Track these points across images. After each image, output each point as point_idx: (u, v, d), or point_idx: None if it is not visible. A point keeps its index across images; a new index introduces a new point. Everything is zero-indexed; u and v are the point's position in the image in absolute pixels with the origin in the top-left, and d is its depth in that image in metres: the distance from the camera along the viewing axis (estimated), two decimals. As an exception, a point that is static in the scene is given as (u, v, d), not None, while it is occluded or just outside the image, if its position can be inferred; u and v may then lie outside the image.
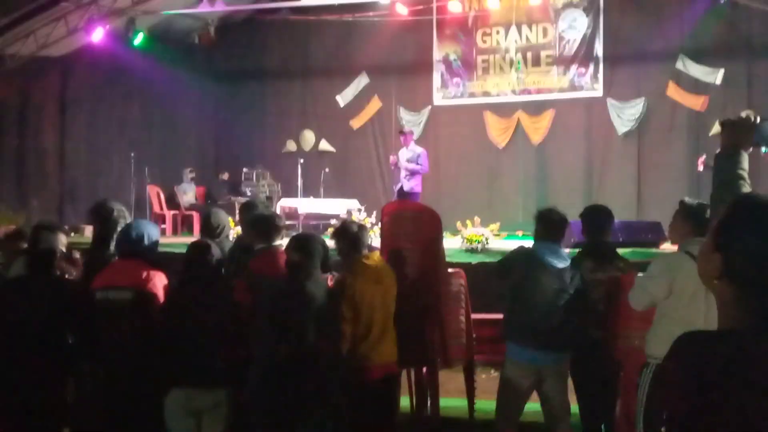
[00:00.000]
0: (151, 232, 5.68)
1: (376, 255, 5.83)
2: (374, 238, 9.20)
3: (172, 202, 16.65)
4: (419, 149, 14.11)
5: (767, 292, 1.83)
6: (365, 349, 5.56)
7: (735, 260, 1.87)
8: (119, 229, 5.80)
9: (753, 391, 1.71)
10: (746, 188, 3.02)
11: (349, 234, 5.81)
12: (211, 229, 6.67)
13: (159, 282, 5.43)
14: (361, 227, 5.93)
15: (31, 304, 5.33)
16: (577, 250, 6.75)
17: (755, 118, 3.24)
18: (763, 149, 3.26)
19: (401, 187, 13.93)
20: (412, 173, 13.93)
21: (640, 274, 5.37)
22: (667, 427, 1.81)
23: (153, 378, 5.19)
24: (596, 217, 6.41)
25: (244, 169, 17.86)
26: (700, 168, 12.39)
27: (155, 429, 5.21)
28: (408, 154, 14.06)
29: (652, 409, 4.74)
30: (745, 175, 3.11)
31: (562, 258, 5.98)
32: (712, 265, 1.91)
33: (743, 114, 13.66)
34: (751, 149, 3.19)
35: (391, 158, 14.34)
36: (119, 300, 5.33)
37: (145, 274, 5.41)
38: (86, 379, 5.50)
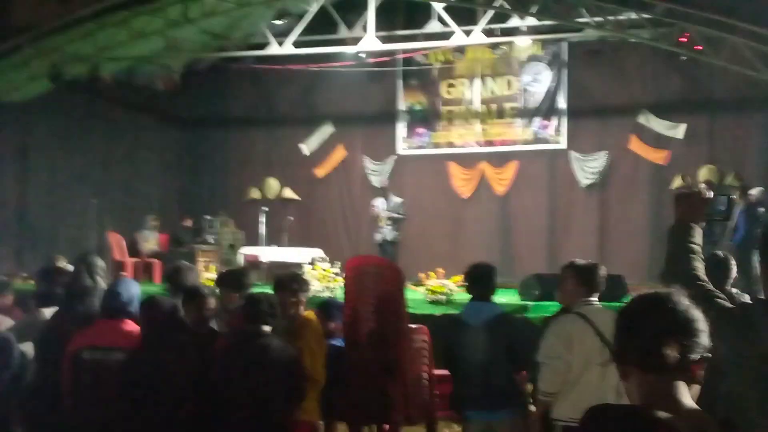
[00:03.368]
0: (136, 291, 5.58)
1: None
2: (338, 290, 9.17)
3: (133, 249, 16.45)
4: (398, 199, 14.16)
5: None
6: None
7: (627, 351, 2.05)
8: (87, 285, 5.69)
9: None
10: (698, 263, 3.02)
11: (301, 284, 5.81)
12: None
13: None
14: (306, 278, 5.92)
15: None
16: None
17: (708, 192, 3.24)
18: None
19: (384, 238, 13.92)
20: (395, 222, 13.96)
21: (539, 359, 5.37)
22: None
23: None
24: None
25: (207, 217, 17.72)
26: None
27: None
28: (388, 203, 14.08)
29: None
30: (698, 249, 3.11)
31: (490, 312, 5.97)
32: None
33: (704, 182, 13.92)
34: (704, 223, 3.20)
35: (371, 209, 14.33)
36: (109, 361, 5.18)
37: (137, 335, 5.29)
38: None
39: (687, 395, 1.99)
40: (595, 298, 5.37)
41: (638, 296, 2.14)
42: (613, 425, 1.91)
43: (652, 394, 1.96)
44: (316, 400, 5.70)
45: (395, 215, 13.91)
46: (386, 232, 13.89)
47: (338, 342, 6.37)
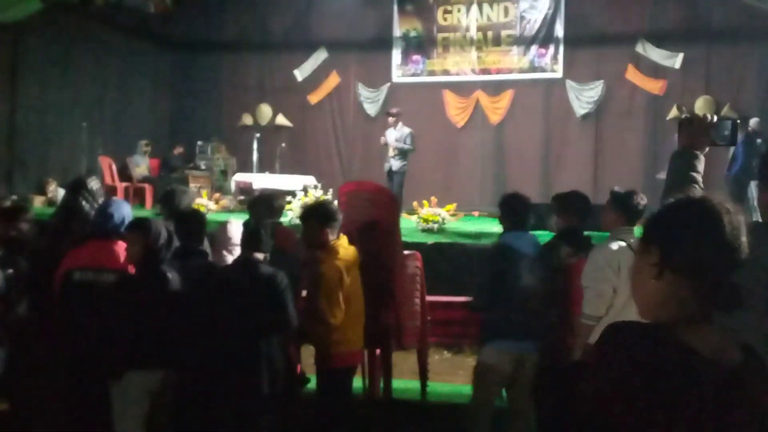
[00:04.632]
0: (128, 212, 5.51)
1: (346, 239, 5.75)
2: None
3: (124, 173, 16.39)
4: (407, 129, 14.04)
5: (702, 286, 1.91)
6: (338, 337, 5.53)
7: (673, 253, 1.93)
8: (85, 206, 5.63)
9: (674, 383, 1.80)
10: (698, 191, 2.95)
11: (327, 214, 5.71)
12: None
13: None
14: (336, 208, 5.81)
15: None
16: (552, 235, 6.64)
17: (712, 117, 3.17)
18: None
19: (390, 168, 13.88)
20: (402, 153, 13.89)
21: (583, 282, 5.32)
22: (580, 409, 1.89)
23: (115, 361, 4.98)
24: (575, 203, 6.31)
25: (199, 142, 17.65)
26: None
27: (104, 415, 5.02)
28: (396, 134, 14.00)
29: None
30: (699, 177, 3.05)
31: (533, 244, 5.95)
32: (651, 259, 1.96)
33: (701, 112, 13.84)
34: (707, 150, 3.13)
35: (381, 139, 14.24)
36: (101, 282, 5.15)
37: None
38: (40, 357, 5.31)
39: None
40: (633, 226, 5.36)
41: (693, 200, 2.06)
42: (634, 345, 1.84)
43: (685, 303, 1.92)
44: (351, 330, 5.68)
45: (403, 146, 13.83)
46: (393, 163, 13.83)
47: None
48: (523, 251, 5.80)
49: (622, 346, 1.85)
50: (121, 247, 5.26)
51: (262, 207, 6.56)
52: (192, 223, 5.87)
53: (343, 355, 5.62)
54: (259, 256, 5.35)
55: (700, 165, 3.11)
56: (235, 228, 6.72)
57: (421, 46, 17.99)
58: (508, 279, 5.74)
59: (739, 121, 3.34)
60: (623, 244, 5.18)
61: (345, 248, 5.66)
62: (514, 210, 6.02)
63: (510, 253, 5.82)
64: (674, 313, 1.92)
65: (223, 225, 7.24)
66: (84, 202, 5.71)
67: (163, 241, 5.08)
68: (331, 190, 12.07)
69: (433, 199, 12.00)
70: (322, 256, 5.60)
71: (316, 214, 5.72)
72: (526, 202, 6.10)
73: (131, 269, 5.17)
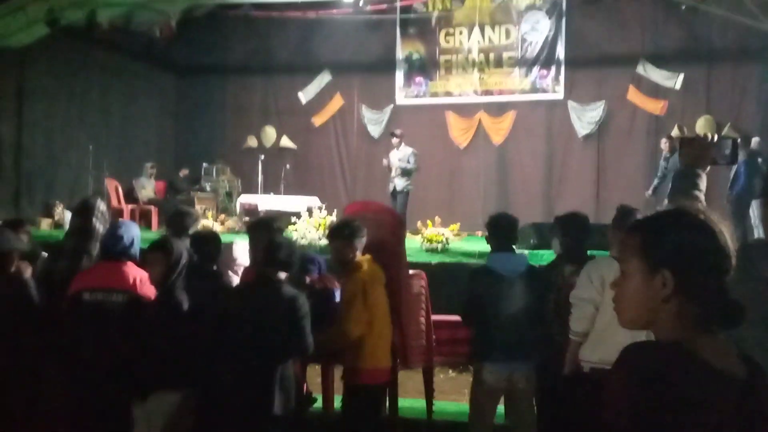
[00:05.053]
0: (137, 233, 5.54)
1: (370, 257, 5.82)
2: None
3: (130, 196, 16.50)
4: (410, 149, 14.17)
5: (711, 305, 1.92)
6: (364, 353, 5.60)
7: (689, 278, 1.93)
8: (90, 228, 5.68)
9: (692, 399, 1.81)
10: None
11: (353, 231, 5.73)
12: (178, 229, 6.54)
13: (149, 285, 5.24)
14: (361, 225, 5.85)
15: None
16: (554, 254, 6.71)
17: (713, 137, 3.24)
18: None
19: (395, 188, 14.00)
20: (405, 173, 14.01)
21: (570, 299, 5.41)
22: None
23: (131, 384, 5.01)
24: (575, 223, 6.38)
25: (204, 165, 17.74)
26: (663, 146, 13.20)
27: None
28: (399, 154, 14.13)
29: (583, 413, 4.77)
30: (701, 195, 3.12)
31: (519, 264, 5.98)
32: (661, 282, 1.95)
33: (701, 132, 13.96)
34: (708, 168, 3.21)
35: (384, 161, 14.36)
36: (110, 303, 5.17)
37: (137, 277, 5.24)
38: (51, 383, 5.32)
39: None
40: None
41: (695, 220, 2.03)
42: (655, 364, 1.86)
43: (694, 320, 1.94)
44: (378, 347, 5.71)
45: (406, 166, 13.95)
46: (397, 182, 13.95)
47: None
48: (505, 273, 5.86)
49: (644, 366, 1.87)
50: (130, 268, 5.28)
51: (262, 229, 6.62)
52: (209, 245, 5.95)
53: (370, 371, 5.64)
54: (281, 275, 5.29)
55: (702, 183, 3.16)
56: (241, 249, 6.80)
57: (423, 68, 18.13)
58: (489, 301, 5.84)
59: (739, 141, 3.41)
60: (612, 260, 5.22)
61: (370, 264, 5.71)
62: (500, 230, 6.07)
63: (490, 276, 5.91)
64: (682, 330, 1.93)
65: (228, 245, 7.33)
66: (98, 224, 5.77)
67: (184, 262, 5.11)
68: (335, 211, 12.15)
69: (437, 218, 12.07)
70: (345, 272, 5.67)
71: (342, 233, 5.75)
72: (513, 223, 6.14)
73: (142, 290, 5.24)
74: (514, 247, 6.16)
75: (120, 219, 7.79)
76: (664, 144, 14.27)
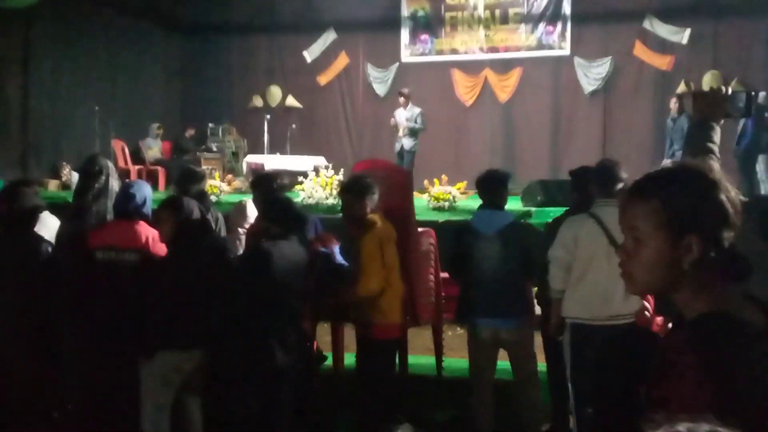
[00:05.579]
0: (149, 193, 5.56)
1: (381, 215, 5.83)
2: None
3: (137, 156, 16.53)
4: (417, 109, 14.19)
5: (728, 264, 1.88)
6: (378, 309, 5.66)
7: (717, 247, 1.88)
8: (101, 186, 5.69)
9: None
10: (714, 162, 3.02)
11: (365, 187, 5.72)
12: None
13: (161, 244, 5.25)
14: (373, 181, 5.82)
15: (9, 264, 5.21)
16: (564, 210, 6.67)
17: (727, 89, 3.23)
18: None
19: (402, 147, 14.01)
20: (412, 132, 14.01)
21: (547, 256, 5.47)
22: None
23: (141, 341, 5.04)
24: (583, 177, 6.31)
25: (210, 125, 17.73)
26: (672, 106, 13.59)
27: (133, 396, 5.08)
28: (407, 113, 14.15)
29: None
30: (716, 148, 3.11)
31: (501, 221, 5.95)
32: (693, 249, 1.88)
33: (714, 85, 13.90)
34: (722, 121, 3.20)
35: (391, 120, 14.37)
36: (123, 261, 5.21)
37: (150, 236, 5.28)
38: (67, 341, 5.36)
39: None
40: (610, 199, 5.19)
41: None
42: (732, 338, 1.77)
43: (717, 284, 1.89)
44: (391, 303, 5.75)
45: (413, 125, 13.96)
46: (405, 142, 13.97)
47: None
48: (484, 230, 5.89)
49: (722, 340, 1.78)
50: (143, 227, 5.32)
51: (265, 185, 6.66)
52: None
53: (383, 326, 5.69)
54: (277, 230, 5.30)
55: (716, 136, 3.15)
56: (252, 208, 6.86)
57: (428, 25, 18.03)
58: (470, 258, 5.90)
59: (753, 93, 3.39)
60: (586, 216, 5.28)
61: (382, 222, 5.72)
62: (486, 187, 6.09)
63: (469, 233, 5.97)
64: (709, 293, 1.88)
65: (240, 203, 7.38)
66: (113, 181, 5.78)
67: (194, 219, 5.14)
68: (342, 170, 12.15)
69: (444, 177, 12.08)
70: (360, 229, 5.67)
71: (354, 188, 5.75)
72: (500, 179, 6.13)
73: (154, 249, 5.27)
74: (501, 204, 6.11)
75: (133, 179, 7.77)
76: (673, 104, 14.16)
